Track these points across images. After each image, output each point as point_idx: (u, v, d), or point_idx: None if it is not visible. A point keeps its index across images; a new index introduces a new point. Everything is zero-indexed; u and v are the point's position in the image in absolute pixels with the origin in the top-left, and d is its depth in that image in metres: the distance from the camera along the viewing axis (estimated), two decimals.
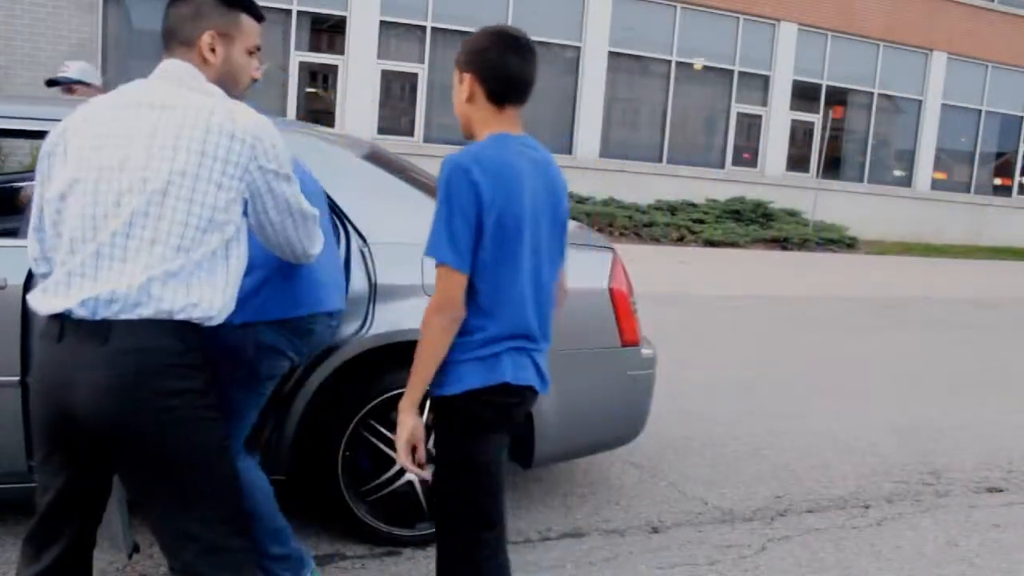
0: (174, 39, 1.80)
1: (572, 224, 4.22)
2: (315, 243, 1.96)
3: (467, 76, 1.90)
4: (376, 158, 3.13)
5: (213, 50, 1.81)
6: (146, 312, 1.60)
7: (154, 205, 1.62)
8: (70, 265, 1.64)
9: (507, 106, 1.92)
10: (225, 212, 1.67)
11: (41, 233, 1.76)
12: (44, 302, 1.65)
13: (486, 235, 1.79)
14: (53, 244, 1.72)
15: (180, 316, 1.63)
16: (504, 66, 1.90)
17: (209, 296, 1.67)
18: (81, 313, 1.60)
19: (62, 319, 1.62)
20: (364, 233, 2.77)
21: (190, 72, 1.78)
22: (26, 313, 2.49)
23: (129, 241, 1.61)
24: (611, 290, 3.06)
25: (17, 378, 2.52)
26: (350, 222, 2.77)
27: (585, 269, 3.11)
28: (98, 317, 1.60)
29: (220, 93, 1.77)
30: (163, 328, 1.62)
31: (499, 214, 1.80)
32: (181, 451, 1.64)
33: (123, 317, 1.60)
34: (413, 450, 1.91)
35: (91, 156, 1.66)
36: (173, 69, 1.78)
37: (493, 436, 1.93)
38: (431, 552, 2.87)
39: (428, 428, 2.87)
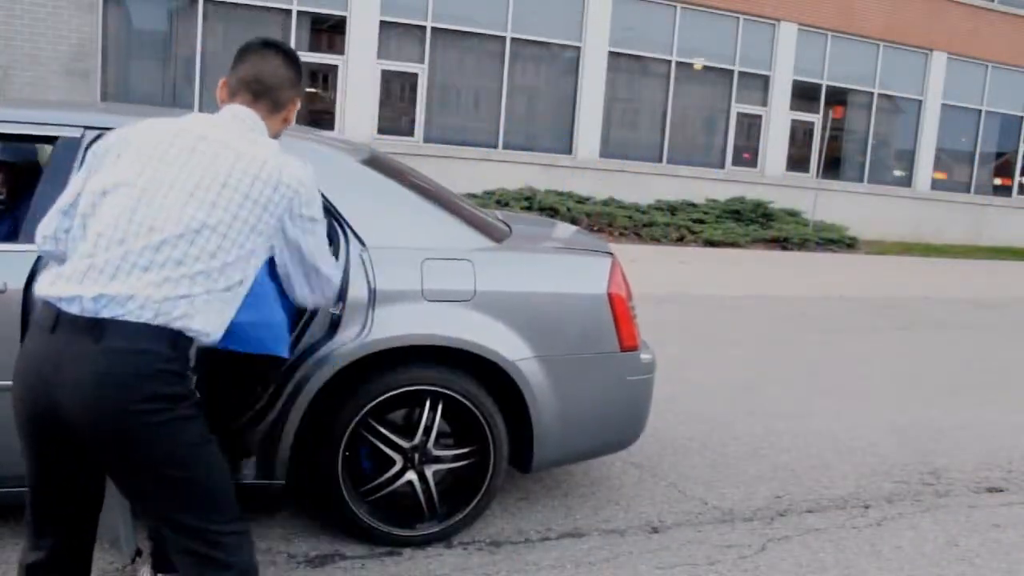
0: (268, 96, 1.92)
1: (571, 228, 4.24)
2: (312, 293, 2.05)
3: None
4: (375, 162, 3.13)
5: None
6: (145, 316, 1.64)
7: (191, 232, 1.69)
8: (92, 261, 1.68)
9: None
10: (252, 253, 1.78)
11: (66, 217, 1.83)
12: (51, 288, 1.68)
13: None
14: (75, 234, 1.76)
15: (176, 326, 1.68)
16: None
17: (211, 319, 1.74)
18: (84, 307, 1.63)
19: (58, 311, 1.66)
20: (363, 238, 2.77)
21: (261, 126, 1.90)
22: (26, 317, 2.49)
23: (157, 255, 1.67)
24: (610, 295, 3.06)
25: None
26: (349, 227, 2.77)
27: (584, 274, 3.12)
28: (99, 315, 1.63)
29: (277, 147, 1.88)
30: (158, 333, 1.66)
31: None
32: (168, 450, 1.69)
33: (121, 318, 1.63)
34: None
35: (145, 166, 1.73)
36: (247, 118, 1.89)
37: None
38: (431, 552, 2.88)
39: (428, 428, 2.90)
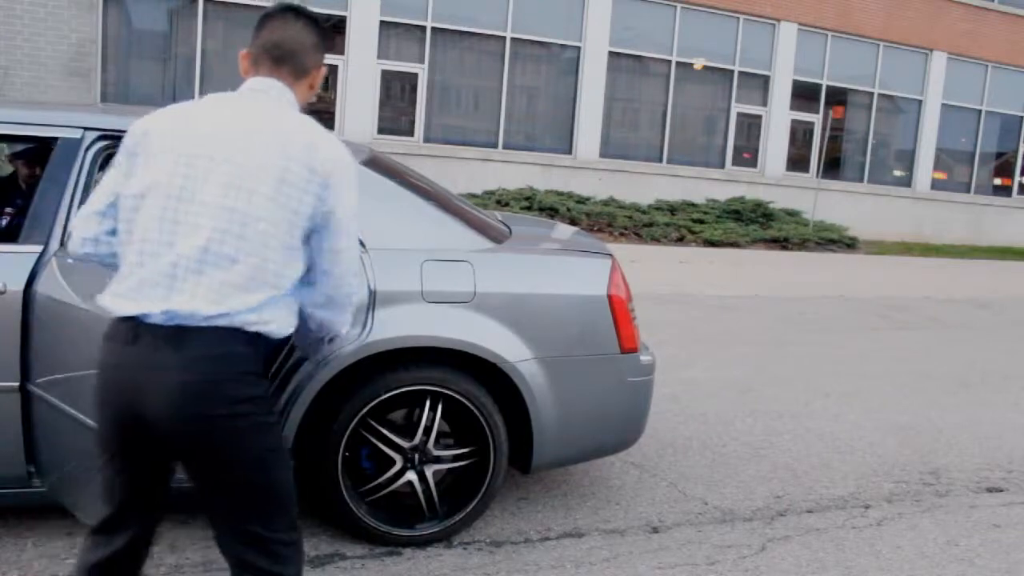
0: (289, 62, 1.84)
1: (570, 229, 4.24)
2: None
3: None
4: (375, 163, 3.13)
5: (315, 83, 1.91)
6: (222, 323, 1.64)
7: (236, 224, 1.65)
8: (143, 273, 1.66)
9: None
10: (296, 238, 1.71)
11: (105, 219, 1.78)
12: (117, 305, 1.67)
13: None
14: (123, 239, 1.73)
15: (252, 329, 1.68)
16: None
17: (282, 317, 1.73)
18: (158, 319, 1.63)
19: (136, 322, 1.65)
20: (363, 239, 2.77)
21: (288, 95, 1.83)
22: (27, 318, 2.49)
23: (207, 255, 1.64)
24: (610, 297, 3.06)
25: (17, 384, 2.51)
26: None
27: (584, 276, 3.12)
28: (174, 323, 1.63)
29: (311, 121, 1.81)
30: (237, 337, 1.66)
31: None
32: (249, 454, 1.70)
33: (196, 325, 1.63)
34: None
35: (177, 162, 1.68)
36: (270, 88, 1.81)
37: None
38: (431, 552, 2.88)
39: (428, 428, 2.90)
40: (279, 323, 1.72)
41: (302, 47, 1.86)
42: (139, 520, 1.83)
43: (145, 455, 1.74)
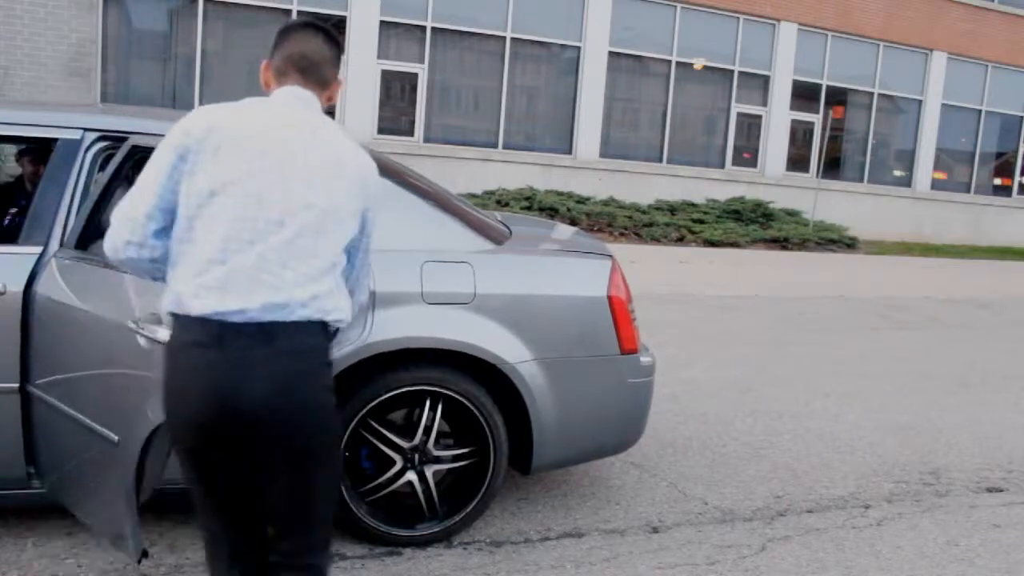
0: (315, 73, 1.91)
1: (570, 230, 4.24)
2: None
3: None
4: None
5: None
6: (305, 313, 1.70)
7: (317, 222, 1.73)
8: (225, 269, 1.66)
9: None
10: (351, 235, 1.84)
11: (151, 221, 1.73)
12: (200, 302, 1.66)
13: None
14: (182, 236, 1.71)
15: (328, 318, 1.75)
16: None
17: (345, 305, 1.81)
18: (250, 316, 1.65)
19: (216, 323, 1.65)
20: None
21: (318, 106, 1.91)
22: (26, 319, 2.49)
23: (292, 249, 1.70)
24: (610, 298, 3.06)
25: (16, 385, 2.51)
26: None
27: (584, 277, 3.12)
28: (262, 320, 1.66)
29: (340, 127, 1.91)
30: (316, 329, 1.73)
31: None
32: (326, 441, 1.78)
33: (284, 319, 1.68)
34: None
35: (250, 161, 1.71)
36: (303, 97, 1.88)
37: None
38: (431, 552, 2.88)
39: (428, 428, 2.90)
40: (343, 311, 1.80)
41: (323, 59, 1.93)
42: (246, 524, 1.85)
43: (233, 454, 1.73)
